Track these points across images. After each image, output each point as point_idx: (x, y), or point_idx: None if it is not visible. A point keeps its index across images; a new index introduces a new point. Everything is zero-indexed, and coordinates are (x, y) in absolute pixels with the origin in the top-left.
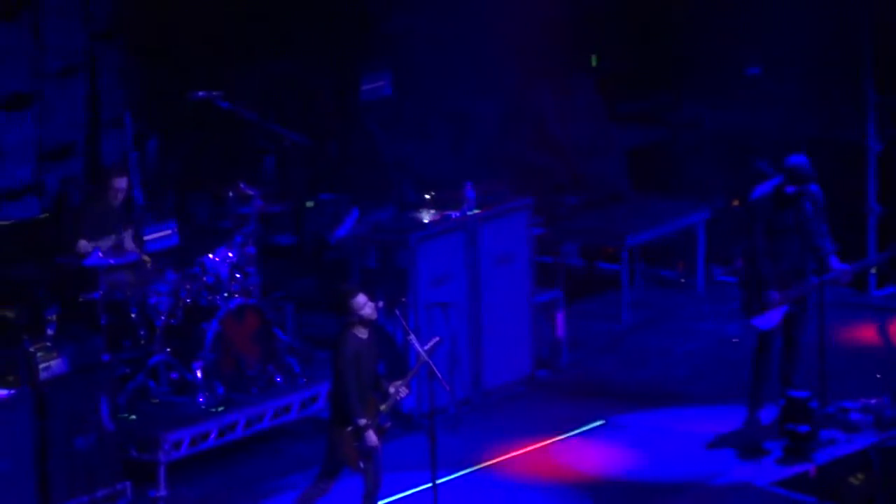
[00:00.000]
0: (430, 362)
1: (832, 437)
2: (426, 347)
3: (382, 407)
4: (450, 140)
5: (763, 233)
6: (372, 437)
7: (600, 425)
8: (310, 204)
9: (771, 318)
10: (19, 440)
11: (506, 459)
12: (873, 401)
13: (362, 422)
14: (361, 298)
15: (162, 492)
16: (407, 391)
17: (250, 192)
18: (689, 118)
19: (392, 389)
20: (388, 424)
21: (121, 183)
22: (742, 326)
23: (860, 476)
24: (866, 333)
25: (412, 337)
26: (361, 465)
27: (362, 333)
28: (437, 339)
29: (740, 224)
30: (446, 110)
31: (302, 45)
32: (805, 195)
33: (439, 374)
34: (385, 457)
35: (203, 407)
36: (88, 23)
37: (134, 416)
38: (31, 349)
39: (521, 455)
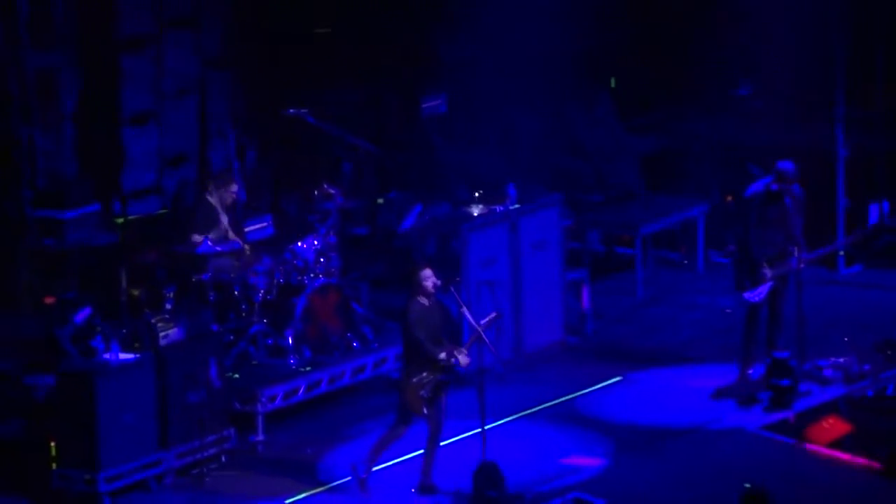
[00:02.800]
0: (482, 332)
1: (808, 390)
2: (484, 321)
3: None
4: (497, 148)
5: (754, 223)
6: (464, 358)
7: (618, 381)
8: (380, 201)
9: (758, 293)
10: (144, 395)
11: (541, 409)
12: (842, 360)
13: (443, 356)
14: (428, 272)
15: (260, 437)
16: (467, 360)
17: (332, 192)
18: (691, 129)
19: (456, 353)
20: (448, 381)
21: (233, 187)
22: (734, 300)
23: (830, 421)
24: (836, 305)
25: (465, 309)
26: (425, 411)
27: (425, 301)
28: (495, 314)
29: (733, 216)
30: (494, 123)
31: (374, 72)
32: (787, 193)
33: (487, 340)
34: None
35: (294, 367)
36: (200, 53)
37: (237, 375)
38: (153, 321)
39: (554, 405)
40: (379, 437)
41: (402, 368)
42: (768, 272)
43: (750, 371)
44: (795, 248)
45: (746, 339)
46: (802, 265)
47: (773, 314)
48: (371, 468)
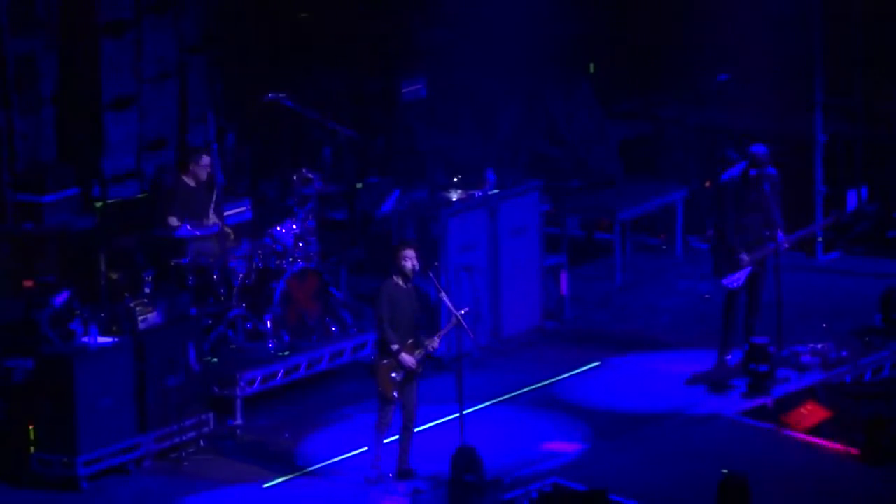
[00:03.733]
0: (461, 319)
1: (786, 376)
2: (459, 313)
3: (416, 352)
4: (476, 133)
5: (731, 208)
6: (407, 358)
7: (596, 366)
8: (359, 186)
9: (737, 279)
10: (122, 379)
11: (519, 394)
12: (820, 346)
13: (395, 347)
14: (410, 252)
15: (238, 421)
16: (437, 345)
17: (311, 177)
18: (670, 115)
19: (426, 341)
20: (421, 369)
21: (206, 160)
22: (713, 285)
23: (809, 407)
24: (814, 291)
25: (443, 295)
26: (395, 395)
27: (401, 283)
28: (467, 309)
29: (712, 201)
30: (473, 109)
31: (354, 56)
32: (764, 177)
33: (465, 325)
34: (420, 392)
35: (272, 351)
36: (179, 38)
37: (216, 359)
38: (132, 305)
39: (532, 390)
40: (373, 428)
41: (376, 350)
42: (745, 258)
43: (728, 357)
44: (773, 232)
45: (725, 324)
46: (785, 245)
47: (752, 300)
48: (379, 463)
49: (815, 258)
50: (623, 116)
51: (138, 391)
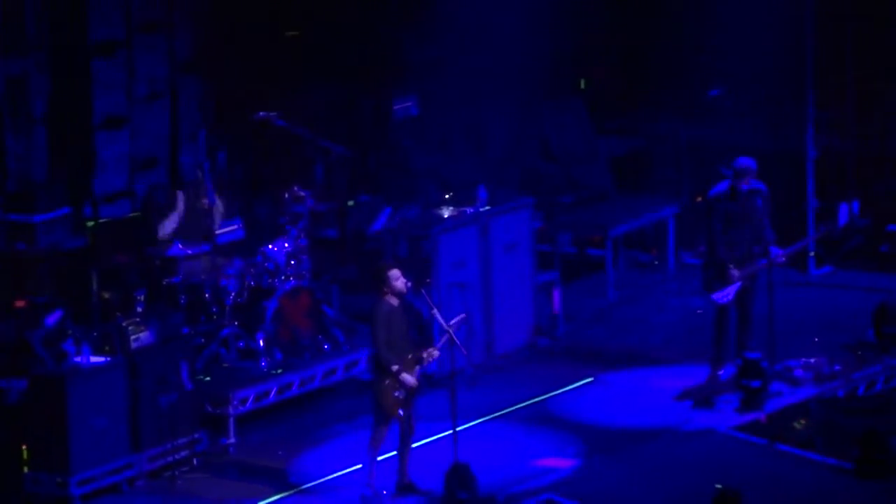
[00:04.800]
0: (452, 333)
1: (779, 391)
2: (452, 322)
3: (416, 368)
4: (468, 150)
5: (720, 223)
6: (408, 378)
7: (589, 382)
8: (351, 204)
9: (728, 294)
10: (115, 399)
11: (513, 411)
12: (813, 360)
13: (395, 367)
14: (396, 272)
15: (231, 440)
16: (437, 355)
17: (303, 195)
18: (661, 131)
19: (424, 354)
20: (419, 383)
21: (205, 201)
22: (705, 301)
23: (802, 421)
24: (806, 306)
25: (436, 312)
26: (401, 413)
27: (394, 301)
28: (463, 315)
29: (702, 217)
30: (465, 125)
31: (345, 74)
32: (754, 192)
33: (458, 342)
34: (414, 409)
35: (265, 370)
36: (171, 57)
37: (208, 378)
38: (124, 324)
39: (526, 407)
40: (366, 447)
41: (374, 370)
42: (735, 273)
43: (720, 372)
44: (765, 247)
45: (717, 340)
46: (781, 259)
47: (743, 315)
48: (374, 480)
49: (808, 273)
50: (614, 132)
51: (131, 410)
